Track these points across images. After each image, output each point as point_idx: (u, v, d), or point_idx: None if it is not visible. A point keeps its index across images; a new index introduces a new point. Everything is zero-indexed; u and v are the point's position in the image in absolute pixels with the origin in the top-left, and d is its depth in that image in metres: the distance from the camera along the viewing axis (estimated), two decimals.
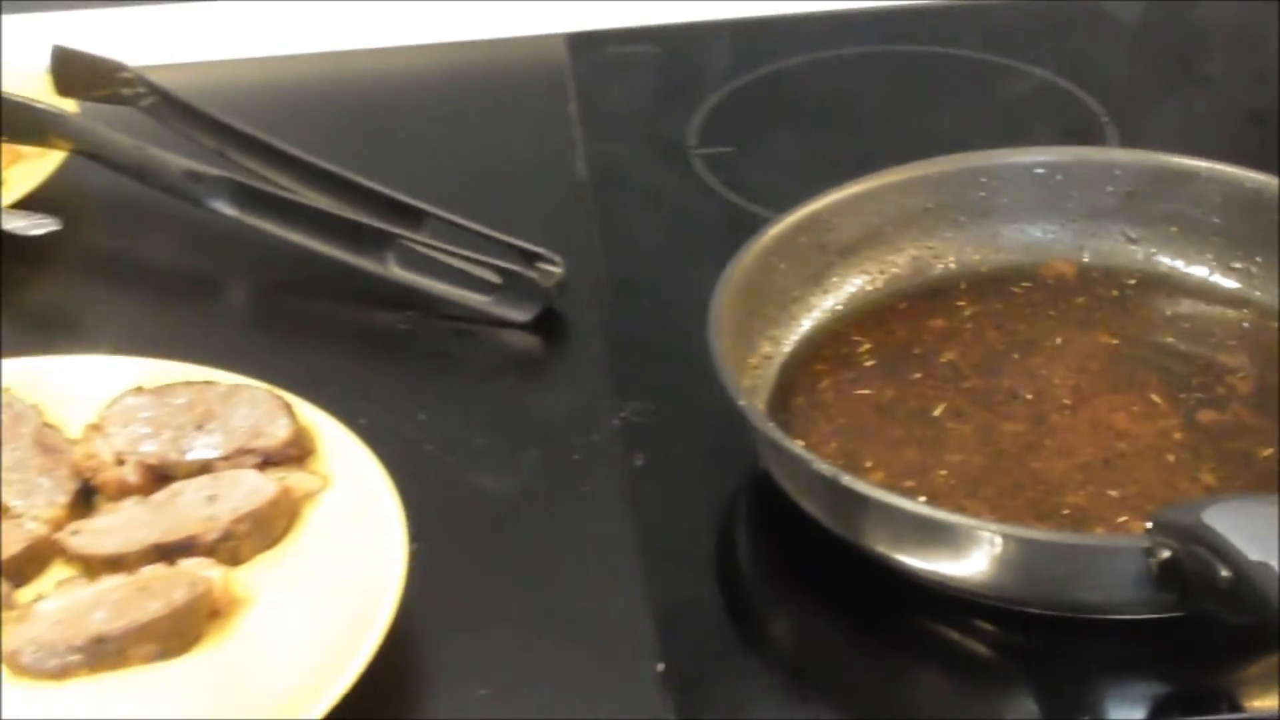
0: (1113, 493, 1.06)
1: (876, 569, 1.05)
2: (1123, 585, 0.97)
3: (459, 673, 1.09)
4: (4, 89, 1.46)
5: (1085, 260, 1.25)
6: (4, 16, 1.70)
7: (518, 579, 1.20)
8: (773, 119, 1.67)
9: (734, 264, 1.16)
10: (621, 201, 1.58)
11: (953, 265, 1.26)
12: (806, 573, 1.10)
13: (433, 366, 1.42)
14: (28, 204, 1.48)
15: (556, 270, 1.44)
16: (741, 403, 1.06)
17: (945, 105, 1.65)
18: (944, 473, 1.09)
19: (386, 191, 1.50)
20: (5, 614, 1.16)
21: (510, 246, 1.46)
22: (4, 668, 1.13)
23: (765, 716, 1.02)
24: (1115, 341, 1.18)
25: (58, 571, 1.21)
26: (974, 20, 1.64)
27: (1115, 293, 1.23)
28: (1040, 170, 1.26)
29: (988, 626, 1.05)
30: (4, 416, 1.27)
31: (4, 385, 1.30)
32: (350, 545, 1.18)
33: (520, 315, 1.42)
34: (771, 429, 1.06)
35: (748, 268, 1.16)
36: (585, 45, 1.61)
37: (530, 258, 1.44)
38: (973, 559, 1.00)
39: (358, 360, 1.44)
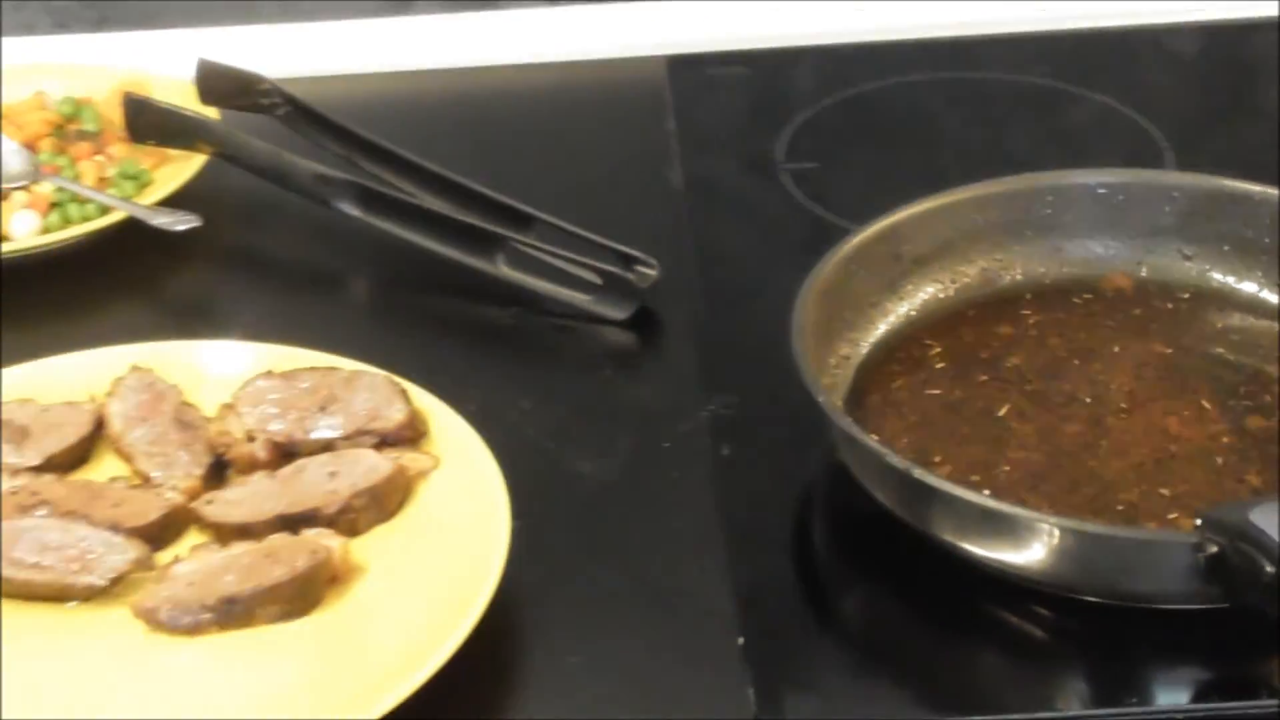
0: (1164, 491, 1.05)
1: (942, 556, 1.05)
2: (1172, 577, 0.95)
3: (553, 641, 1.08)
4: (155, 97, 1.47)
5: (1143, 275, 1.24)
6: (156, 32, 1.72)
7: (610, 556, 1.19)
8: (855, 138, 1.67)
9: (816, 271, 1.15)
10: (713, 211, 1.57)
11: (1019, 277, 1.25)
12: (877, 558, 1.09)
13: (536, 359, 1.42)
14: (172, 202, 1.49)
15: (652, 272, 1.43)
16: (821, 399, 1.05)
17: (1014, 128, 1.62)
18: (1007, 468, 1.08)
19: (498, 197, 1.50)
20: (145, 575, 1.16)
21: (610, 250, 1.45)
22: (142, 624, 1.14)
23: (836, 688, 1.03)
24: (1169, 351, 1.16)
25: (192, 537, 1.21)
26: (1042, 49, 1.62)
27: (1170, 305, 1.21)
28: (1102, 190, 1.24)
29: (1045, 612, 1.04)
30: (146, 395, 1.28)
31: (147, 366, 1.31)
32: (458, 521, 1.18)
33: (618, 313, 1.42)
34: (848, 424, 1.05)
35: (829, 275, 1.15)
36: (684, 66, 1.61)
37: (628, 260, 1.43)
38: (1032, 549, 0.99)
39: (467, 351, 1.44)
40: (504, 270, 1.45)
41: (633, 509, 1.24)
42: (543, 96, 1.69)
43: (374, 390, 1.27)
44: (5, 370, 1.30)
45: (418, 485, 1.23)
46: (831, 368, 1.18)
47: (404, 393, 1.27)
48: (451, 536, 1.12)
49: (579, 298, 1.43)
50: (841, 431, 1.05)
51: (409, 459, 1.23)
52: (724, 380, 1.33)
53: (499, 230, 1.46)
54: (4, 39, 1.55)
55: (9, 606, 1.14)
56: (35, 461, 1.24)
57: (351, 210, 1.48)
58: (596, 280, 1.43)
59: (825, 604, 1.11)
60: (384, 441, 1.24)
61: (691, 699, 1.02)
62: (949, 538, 1.03)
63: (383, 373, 1.29)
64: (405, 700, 0.99)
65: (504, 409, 1.33)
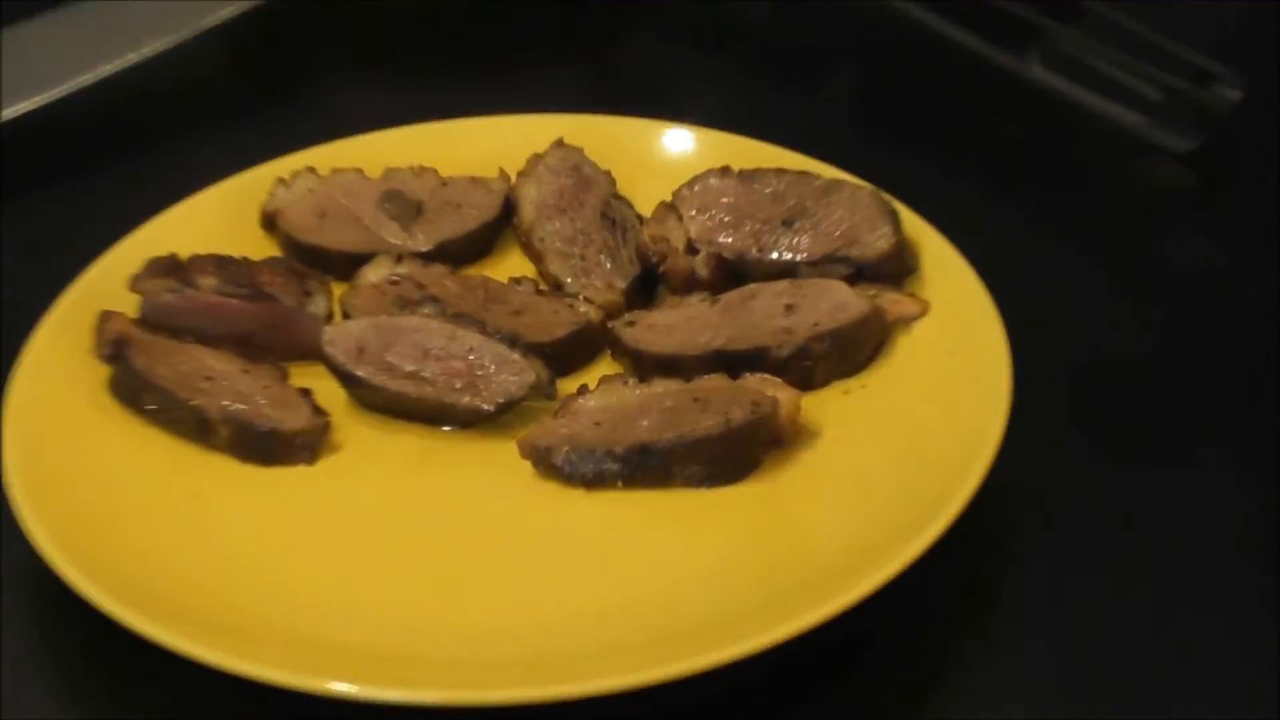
0: None
1: None
2: None
3: (1041, 550, 1.01)
4: None
5: None
6: None
7: (1123, 451, 1.07)
8: None
9: None
10: None
11: None
12: None
13: (1063, 194, 1.30)
14: None
15: (1233, 94, 1.29)
16: None
17: None
18: None
19: None
20: (542, 405, 1.08)
21: (1181, 59, 1.31)
22: (530, 465, 1.05)
23: None
24: None
25: (604, 366, 1.14)
26: None
27: None
28: None
29: None
30: (570, 180, 1.21)
31: (575, 145, 1.23)
32: (942, 386, 1.06)
33: (1179, 143, 1.29)
34: None
35: None
36: None
37: (1202, 76, 1.30)
38: None
39: (979, 174, 1.32)
40: (1036, 71, 1.34)
41: (1160, 396, 1.11)
42: None
43: (855, 207, 1.16)
44: (405, 129, 1.28)
45: (896, 334, 1.12)
46: None
47: (893, 215, 1.15)
48: (931, 404, 1.05)
49: (1131, 118, 1.31)
50: None
51: (889, 300, 1.12)
52: None
53: (1037, 19, 1.34)
54: None
55: (368, 424, 1.08)
56: (425, 247, 1.20)
57: None
58: (1157, 97, 1.30)
59: None
60: (860, 274, 1.14)
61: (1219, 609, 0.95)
62: None
63: (869, 186, 1.17)
64: (855, 604, 0.90)
65: (1015, 253, 1.21)
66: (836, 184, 1.18)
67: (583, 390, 1.08)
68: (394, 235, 1.20)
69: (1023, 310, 1.09)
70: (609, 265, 1.18)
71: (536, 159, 1.24)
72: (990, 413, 1.00)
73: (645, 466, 1.03)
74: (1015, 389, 1.02)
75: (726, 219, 1.18)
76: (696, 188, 1.20)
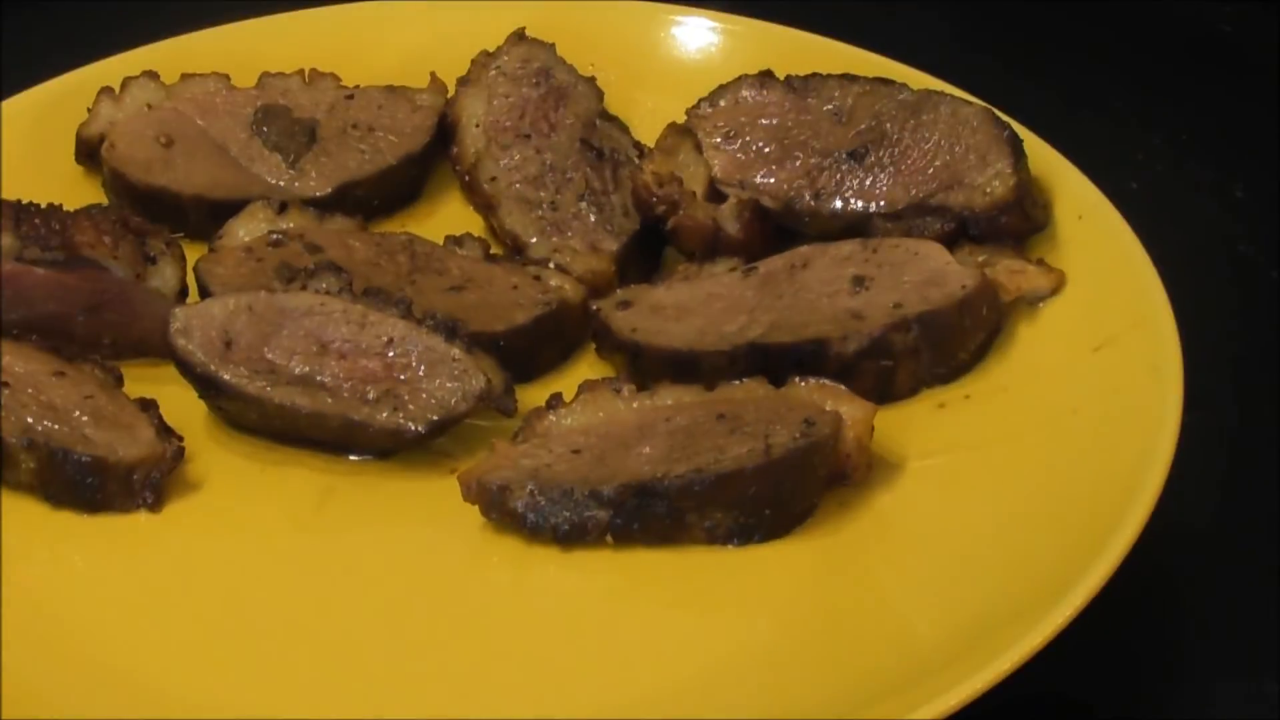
0: None
1: None
2: None
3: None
4: None
5: None
6: None
7: None
8: None
9: None
10: None
11: None
12: None
13: (1253, 123, 1.34)
14: None
15: None
16: None
17: None
18: None
19: None
20: (496, 424, 1.10)
21: None
22: (477, 509, 1.06)
23: None
24: None
25: (586, 366, 1.16)
26: None
27: None
28: None
29: None
30: (534, 90, 1.24)
31: (536, 37, 1.26)
32: (1082, 397, 1.09)
33: None
34: None
35: None
36: None
37: None
38: None
39: (1132, 89, 1.37)
40: None
41: None
42: None
43: (957, 132, 1.19)
44: (290, 14, 1.32)
45: (1015, 321, 1.15)
46: None
47: (1014, 144, 1.17)
48: (1065, 428, 1.08)
49: None
50: None
51: (1006, 270, 1.15)
52: None
53: None
54: None
55: (239, 452, 1.11)
56: (321, 190, 1.22)
57: None
58: None
59: None
60: (964, 231, 1.16)
61: None
62: None
63: (978, 103, 1.19)
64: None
65: (1187, 201, 1.27)
66: (930, 98, 1.20)
67: (555, 402, 1.10)
68: (274, 173, 1.22)
69: (1189, 286, 1.13)
70: (593, 218, 1.20)
71: (486, 59, 1.26)
72: (1152, 439, 1.03)
73: (647, 514, 1.05)
74: (1190, 394, 1.06)
75: (768, 149, 1.20)
76: (723, 102, 1.21)
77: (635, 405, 1.10)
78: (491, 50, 1.26)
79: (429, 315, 1.11)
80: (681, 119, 1.21)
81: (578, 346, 1.17)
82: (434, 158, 1.24)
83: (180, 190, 1.22)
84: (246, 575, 1.05)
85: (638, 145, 1.23)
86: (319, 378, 1.10)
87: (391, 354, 1.10)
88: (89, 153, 1.24)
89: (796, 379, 1.09)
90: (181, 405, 1.10)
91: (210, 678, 0.99)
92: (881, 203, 1.18)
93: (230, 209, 1.19)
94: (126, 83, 1.25)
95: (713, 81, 1.22)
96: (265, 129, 1.24)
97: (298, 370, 1.10)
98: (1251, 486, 1.14)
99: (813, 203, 1.19)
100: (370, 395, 1.09)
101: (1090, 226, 1.17)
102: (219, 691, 0.98)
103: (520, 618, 1.03)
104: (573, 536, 1.06)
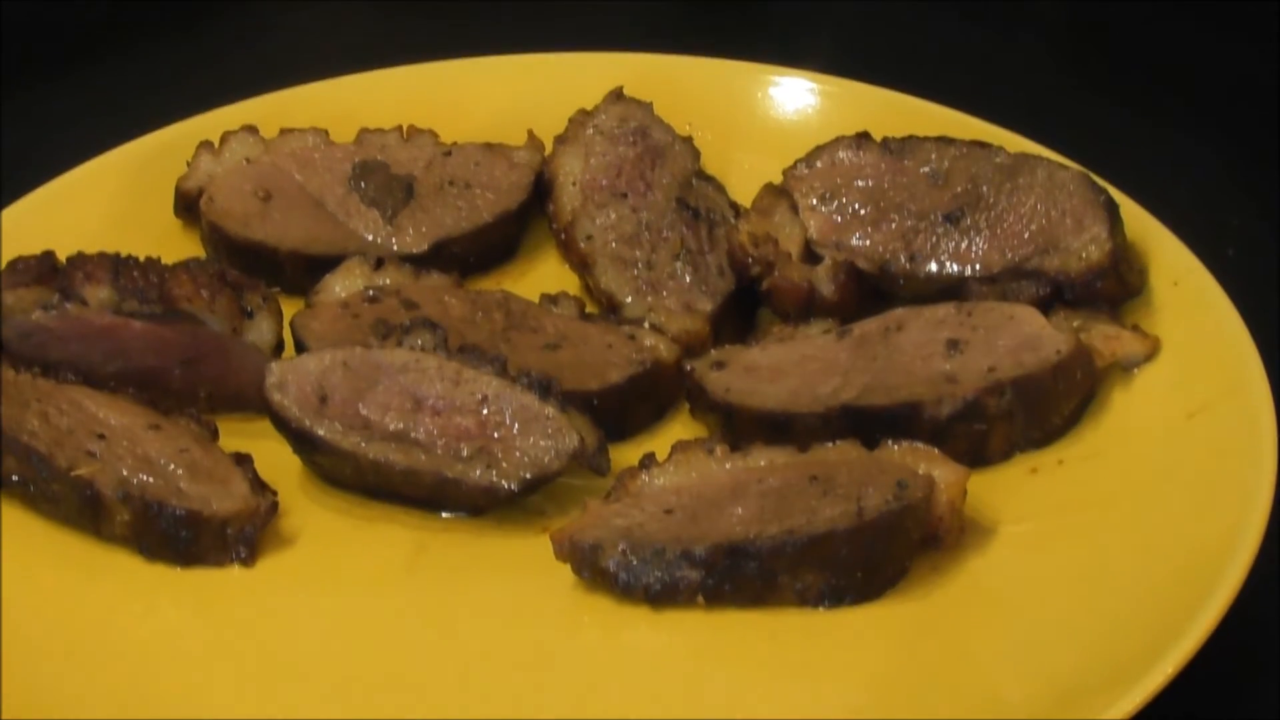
0: None
1: None
2: None
3: None
4: None
5: None
6: None
7: None
8: None
9: None
10: None
11: None
12: None
13: None
14: None
15: None
16: None
17: None
18: None
19: None
20: (588, 482, 1.10)
21: None
22: (569, 567, 1.07)
23: None
24: None
25: (679, 426, 1.16)
26: None
27: None
28: None
29: None
30: (631, 149, 1.24)
31: (632, 96, 1.27)
32: (1177, 463, 1.09)
33: None
34: None
35: None
36: None
37: None
38: None
39: (1232, 149, 1.36)
40: None
41: None
42: None
43: (1054, 196, 1.18)
44: (389, 70, 1.33)
45: (1110, 386, 1.15)
46: None
47: (1110, 210, 1.17)
48: (1159, 495, 1.08)
49: None
50: None
51: (1102, 335, 1.15)
52: None
53: None
54: None
55: (333, 508, 1.12)
56: (418, 247, 1.23)
57: None
58: None
59: None
60: (1059, 295, 1.16)
61: None
62: None
63: (1075, 167, 1.19)
64: None
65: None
66: (1026, 161, 1.19)
67: (647, 462, 1.10)
68: (371, 228, 1.23)
69: None
70: (688, 278, 1.20)
71: (584, 117, 1.26)
72: (1246, 507, 1.03)
73: (738, 575, 1.05)
74: None
75: (863, 211, 1.20)
76: (819, 164, 1.21)
77: (728, 466, 1.09)
78: (589, 108, 1.26)
79: (523, 373, 1.11)
80: (778, 179, 1.21)
81: (671, 406, 1.17)
82: (530, 215, 1.24)
83: (277, 245, 1.22)
84: (338, 631, 1.05)
85: (734, 205, 1.22)
86: (413, 434, 1.10)
87: (485, 411, 1.10)
88: (187, 206, 1.25)
89: (889, 441, 1.09)
90: (276, 460, 1.11)
91: None
92: (977, 266, 1.18)
93: (327, 264, 1.19)
94: (226, 137, 1.25)
95: (809, 142, 1.22)
96: (363, 184, 1.24)
97: (392, 426, 1.10)
98: None
99: (908, 265, 1.18)
100: (464, 453, 1.09)
101: (1185, 292, 1.16)
102: None
103: (611, 677, 1.03)
104: (664, 596, 1.06)
